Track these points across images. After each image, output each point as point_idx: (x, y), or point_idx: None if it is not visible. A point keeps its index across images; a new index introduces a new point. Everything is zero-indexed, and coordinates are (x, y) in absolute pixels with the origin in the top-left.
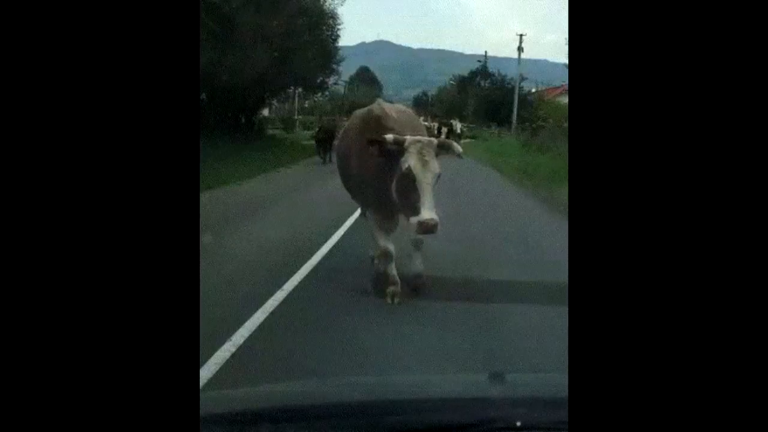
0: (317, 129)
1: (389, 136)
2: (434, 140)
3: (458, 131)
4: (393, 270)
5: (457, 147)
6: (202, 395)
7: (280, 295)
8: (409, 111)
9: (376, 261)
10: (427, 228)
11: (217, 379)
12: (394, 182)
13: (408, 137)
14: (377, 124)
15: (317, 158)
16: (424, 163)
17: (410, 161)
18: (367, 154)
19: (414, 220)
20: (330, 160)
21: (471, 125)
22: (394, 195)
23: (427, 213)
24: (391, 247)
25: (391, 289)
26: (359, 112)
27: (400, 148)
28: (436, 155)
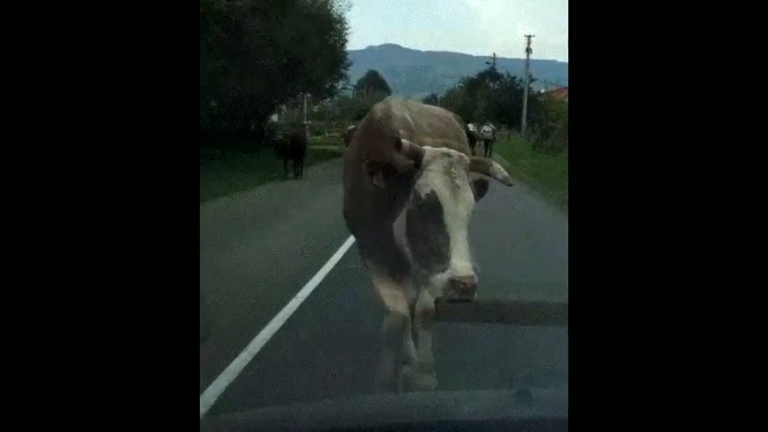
0: (282, 135)
1: (405, 142)
2: (466, 157)
3: (475, 132)
4: (409, 344)
5: (500, 170)
6: (232, 414)
7: (294, 304)
8: (442, 111)
9: (386, 331)
10: (463, 288)
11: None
12: (405, 217)
13: (428, 147)
14: (384, 127)
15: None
16: (455, 189)
17: (434, 184)
18: (363, 171)
19: (441, 277)
20: (300, 174)
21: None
22: (404, 237)
23: (462, 264)
24: (405, 311)
25: (406, 370)
26: (373, 109)
27: (412, 163)
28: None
